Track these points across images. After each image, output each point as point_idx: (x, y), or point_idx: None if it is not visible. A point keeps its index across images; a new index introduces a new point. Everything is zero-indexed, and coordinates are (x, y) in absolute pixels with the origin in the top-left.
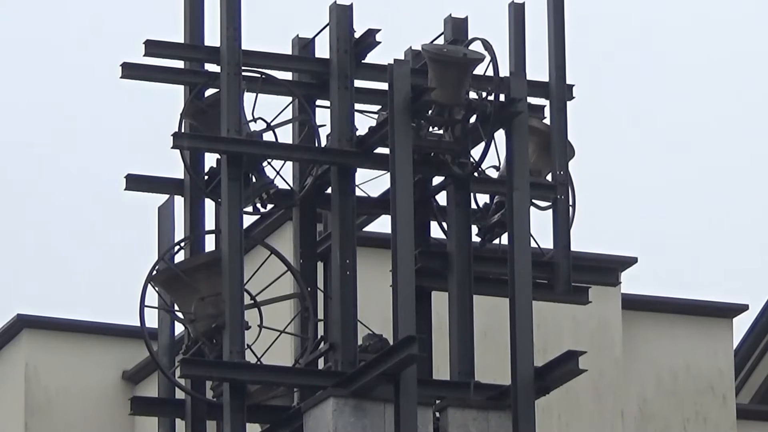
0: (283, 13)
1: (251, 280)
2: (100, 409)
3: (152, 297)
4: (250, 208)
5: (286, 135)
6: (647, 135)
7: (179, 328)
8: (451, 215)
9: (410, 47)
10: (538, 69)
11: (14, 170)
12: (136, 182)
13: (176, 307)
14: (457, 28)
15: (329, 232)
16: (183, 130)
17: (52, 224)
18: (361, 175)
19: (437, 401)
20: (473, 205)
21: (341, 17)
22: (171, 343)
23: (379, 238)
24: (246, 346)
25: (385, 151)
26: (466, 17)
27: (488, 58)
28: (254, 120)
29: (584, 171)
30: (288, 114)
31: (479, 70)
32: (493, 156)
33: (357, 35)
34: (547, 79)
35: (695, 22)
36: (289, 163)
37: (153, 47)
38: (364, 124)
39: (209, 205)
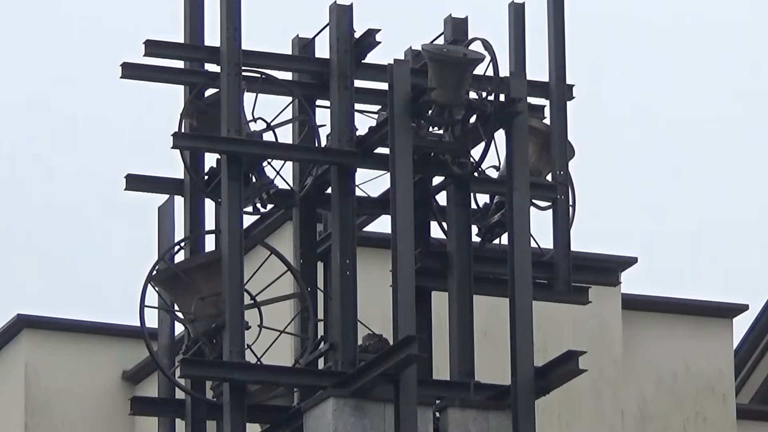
0: (283, 13)
1: (251, 280)
2: (100, 409)
3: (152, 297)
4: (250, 208)
5: (286, 135)
6: (647, 135)
7: (179, 328)
8: (451, 215)
9: (410, 47)
10: (538, 69)
11: (14, 170)
12: (136, 182)
13: (176, 307)
14: (457, 28)
15: (329, 232)
16: (183, 130)
17: (52, 224)
18: (361, 175)
19: (437, 401)
20: (473, 205)
21: (341, 17)
22: (171, 343)
23: (379, 238)
24: (246, 346)
25: (385, 151)
26: (466, 17)
27: (488, 58)
28: (254, 120)
29: (584, 171)
30: (288, 114)
31: (479, 70)
32: (493, 156)
33: (357, 35)
34: (547, 79)
35: (695, 22)
36: (289, 163)
37: (153, 47)
38: (364, 124)
39: (209, 205)
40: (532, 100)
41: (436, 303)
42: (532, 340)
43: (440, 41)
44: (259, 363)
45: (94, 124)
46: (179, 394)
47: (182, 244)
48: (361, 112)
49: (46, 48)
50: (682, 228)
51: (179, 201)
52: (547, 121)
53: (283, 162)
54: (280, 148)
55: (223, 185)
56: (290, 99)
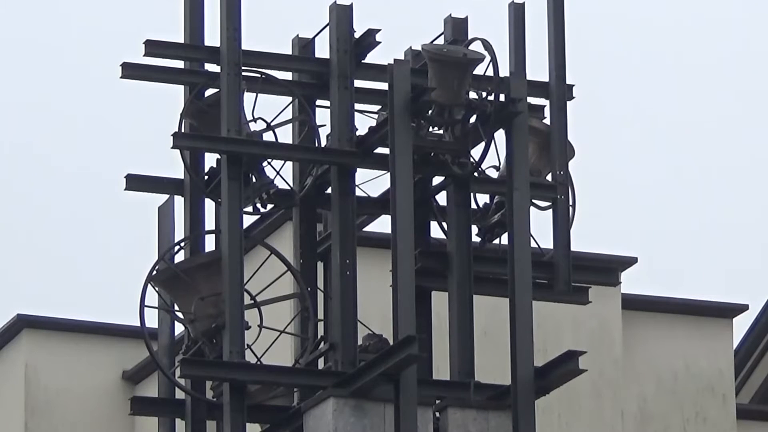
0: (283, 13)
1: (251, 280)
2: (100, 409)
3: (152, 297)
4: (250, 208)
5: (286, 135)
6: (647, 135)
7: (179, 328)
8: (451, 215)
9: (410, 47)
10: (538, 69)
11: (14, 170)
12: (136, 182)
13: (176, 307)
14: (457, 28)
15: (329, 232)
16: (183, 130)
17: (52, 224)
18: (361, 175)
19: (437, 401)
20: (473, 205)
21: (341, 17)
22: (171, 343)
23: (379, 238)
24: (246, 346)
25: (385, 151)
26: (466, 17)
27: (488, 58)
28: (254, 120)
29: (584, 171)
30: (288, 114)
31: (479, 70)
32: (493, 156)
33: (357, 35)
34: (547, 79)
35: (695, 22)
36: (289, 163)
37: (153, 47)
38: (364, 124)
39: (209, 205)
40: (532, 100)
41: (436, 303)
42: (532, 340)
43: (440, 41)
44: (259, 363)
45: (94, 124)
46: (179, 394)
47: (182, 244)
48: (361, 112)
49: (46, 48)
50: (682, 228)
51: (179, 201)
52: (547, 121)
53: (283, 162)
54: (280, 148)
55: (223, 185)
56: (290, 99)
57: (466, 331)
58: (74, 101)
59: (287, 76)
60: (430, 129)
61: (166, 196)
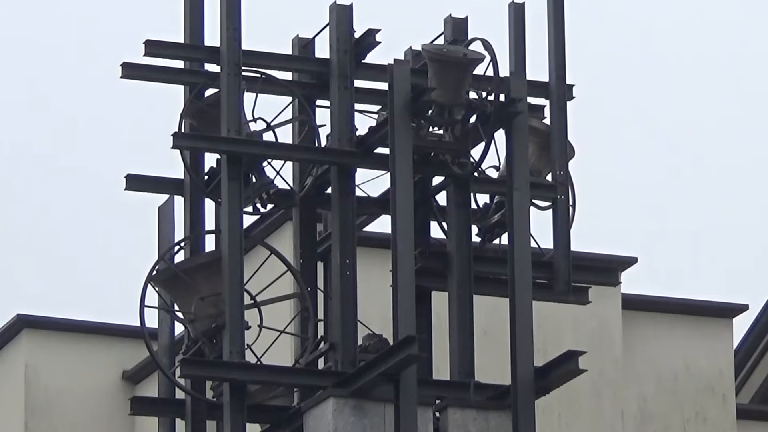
0: (283, 13)
1: (251, 280)
2: (100, 409)
3: (152, 297)
4: (250, 208)
5: (286, 135)
6: (647, 135)
7: (179, 328)
8: (451, 215)
9: (410, 47)
10: (538, 69)
11: (14, 170)
12: (136, 182)
13: (176, 307)
14: (457, 28)
15: (329, 232)
16: (183, 130)
17: (52, 224)
18: (361, 175)
19: (437, 401)
20: (473, 205)
21: (341, 17)
22: (171, 343)
23: (379, 238)
24: (246, 346)
25: (385, 151)
26: (466, 17)
27: (488, 58)
28: (254, 120)
29: (584, 171)
30: (288, 114)
31: (479, 70)
32: (493, 156)
33: (357, 35)
34: (547, 79)
35: (695, 22)
36: (289, 163)
37: (153, 47)
38: (364, 124)
39: (209, 205)
40: (532, 100)
41: (436, 303)
42: (532, 340)
43: (440, 41)
44: (259, 363)
45: (94, 124)
46: (179, 394)
47: (182, 244)
48: (361, 112)
49: (46, 48)
50: (682, 228)
51: (179, 201)
52: (547, 121)
53: (283, 162)
54: (280, 148)
55: (223, 185)
56: (290, 99)
57: (466, 331)
58: (74, 101)
59: (287, 76)
60: (430, 129)
61: (166, 196)
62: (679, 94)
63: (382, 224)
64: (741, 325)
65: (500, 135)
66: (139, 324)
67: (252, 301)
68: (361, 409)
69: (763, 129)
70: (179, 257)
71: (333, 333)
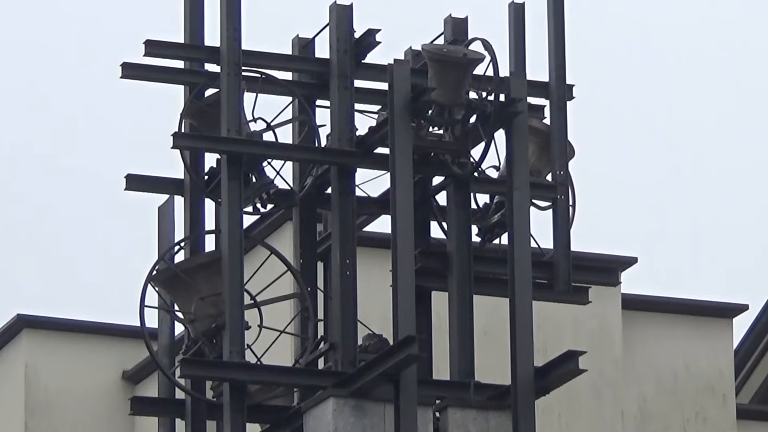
0: (283, 13)
1: (251, 280)
2: (100, 409)
3: (152, 297)
4: (250, 208)
5: (286, 135)
6: (647, 135)
7: (179, 328)
8: (451, 215)
9: (410, 47)
10: (538, 69)
11: (14, 170)
12: (136, 182)
13: (176, 307)
14: (457, 28)
15: (329, 232)
16: (183, 130)
17: (52, 224)
18: (361, 175)
19: (437, 401)
20: (473, 205)
21: (341, 17)
22: (171, 343)
23: (379, 238)
24: (246, 346)
25: (385, 151)
26: (466, 17)
27: (488, 58)
28: (254, 120)
29: (584, 171)
30: (288, 114)
31: (479, 70)
32: (493, 156)
33: (357, 35)
34: (547, 79)
35: (695, 22)
36: (289, 163)
37: (153, 47)
38: (364, 124)
39: (209, 205)
40: (532, 100)
41: (436, 303)
42: (532, 340)
43: (440, 41)
44: (259, 363)
45: (94, 124)
46: (179, 394)
47: (182, 244)
48: (361, 112)
49: (46, 48)
50: (682, 228)
51: (179, 201)
52: (547, 121)
53: (283, 162)
54: (280, 148)
55: (223, 185)
56: (290, 99)
57: (466, 331)
58: (74, 101)
59: (287, 76)
60: (430, 129)
61: (166, 196)
62: (679, 94)
63: (382, 224)
64: (741, 325)
65: (500, 135)
66: (139, 324)
67: (252, 301)
68: (361, 409)
69: (763, 129)
70: (179, 257)
71: (333, 333)
